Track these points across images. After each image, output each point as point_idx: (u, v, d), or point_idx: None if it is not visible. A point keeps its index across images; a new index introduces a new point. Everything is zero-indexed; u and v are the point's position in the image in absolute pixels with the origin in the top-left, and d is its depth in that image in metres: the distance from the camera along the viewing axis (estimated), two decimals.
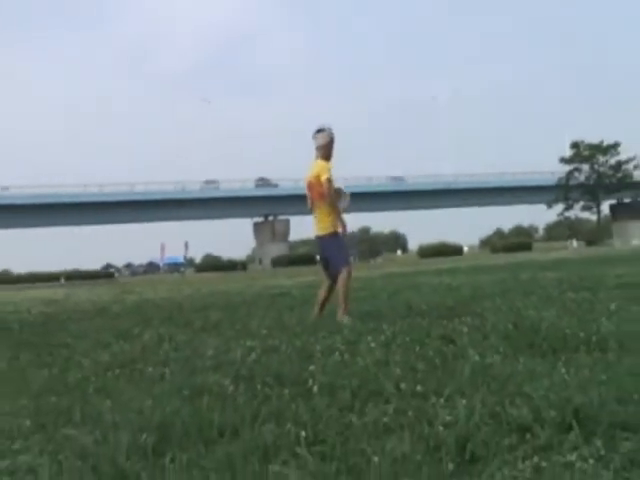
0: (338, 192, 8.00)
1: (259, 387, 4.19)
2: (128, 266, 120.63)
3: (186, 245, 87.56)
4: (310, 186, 8.00)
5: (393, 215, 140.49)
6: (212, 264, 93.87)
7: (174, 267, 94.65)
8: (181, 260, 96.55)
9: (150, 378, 4.88)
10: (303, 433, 3.08)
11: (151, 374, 5.02)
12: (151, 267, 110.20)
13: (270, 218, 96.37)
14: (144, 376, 4.99)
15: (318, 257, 8.48)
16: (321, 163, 7.93)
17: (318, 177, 7.84)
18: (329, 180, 7.80)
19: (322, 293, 8.13)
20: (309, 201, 8.11)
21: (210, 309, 11.02)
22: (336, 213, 7.91)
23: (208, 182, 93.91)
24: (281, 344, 5.91)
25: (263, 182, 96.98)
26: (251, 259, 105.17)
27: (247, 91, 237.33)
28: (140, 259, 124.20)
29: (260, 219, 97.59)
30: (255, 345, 5.94)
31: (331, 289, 8.08)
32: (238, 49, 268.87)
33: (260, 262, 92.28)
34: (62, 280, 75.72)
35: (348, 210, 8.10)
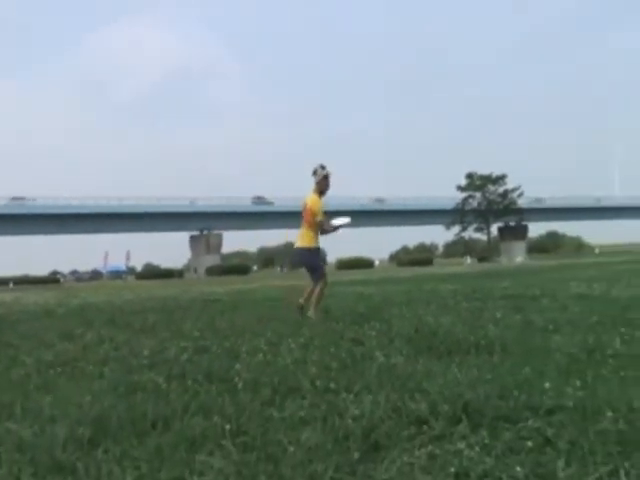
0: (327, 222, 8.57)
1: (190, 384, 4.11)
2: (74, 273, 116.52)
3: (128, 255, 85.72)
4: (303, 210, 8.48)
5: None
6: (151, 272, 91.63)
7: (116, 274, 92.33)
8: (123, 268, 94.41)
9: (90, 376, 4.72)
10: (228, 426, 3.04)
11: (91, 372, 4.86)
12: (95, 274, 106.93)
13: (205, 232, 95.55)
14: (84, 374, 4.83)
15: (303, 265, 8.82)
16: (314, 198, 8.42)
17: (310, 210, 8.35)
18: (320, 222, 8.39)
19: (305, 293, 8.51)
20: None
21: (148, 312, 10.75)
22: (316, 232, 8.44)
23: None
24: (211, 345, 5.84)
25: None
26: (187, 268, 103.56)
27: (196, 119, 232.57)
28: (85, 267, 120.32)
29: (196, 233, 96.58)
30: (188, 346, 5.84)
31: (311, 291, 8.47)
32: (187, 81, 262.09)
33: (195, 271, 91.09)
34: (11, 285, 72.62)
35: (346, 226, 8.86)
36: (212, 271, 79.68)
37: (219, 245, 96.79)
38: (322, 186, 8.44)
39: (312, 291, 8.38)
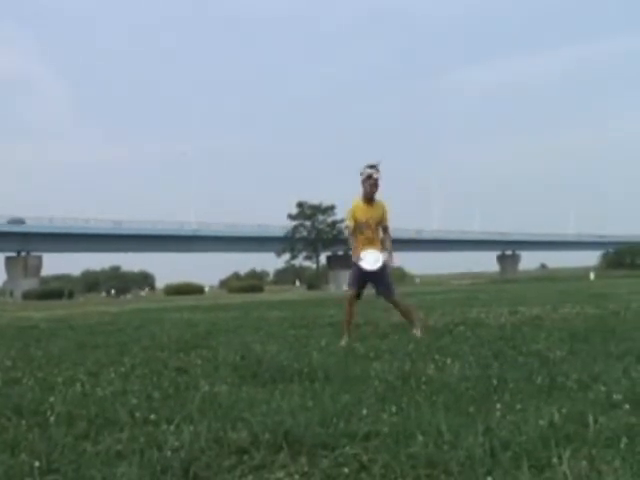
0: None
1: None
2: None
3: None
4: None
5: (145, 256, 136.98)
6: None
7: None
8: None
9: None
10: (37, 463, 2.83)
11: None
12: None
13: (23, 254, 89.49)
14: None
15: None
16: (353, 202, 7.76)
17: None
18: (346, 227, 7.90)
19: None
20: None
21: None
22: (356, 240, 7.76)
23: None
24: (24, 376, 5.44)
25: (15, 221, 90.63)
26: (2, 292, 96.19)
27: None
28: None
29: (13, 254, 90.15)
30: None
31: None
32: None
33: (11, 295, 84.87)
34: None
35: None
36: (30, 295, 74.91)
37: (38, 268, 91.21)
38: (365, 189, 7.51)
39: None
